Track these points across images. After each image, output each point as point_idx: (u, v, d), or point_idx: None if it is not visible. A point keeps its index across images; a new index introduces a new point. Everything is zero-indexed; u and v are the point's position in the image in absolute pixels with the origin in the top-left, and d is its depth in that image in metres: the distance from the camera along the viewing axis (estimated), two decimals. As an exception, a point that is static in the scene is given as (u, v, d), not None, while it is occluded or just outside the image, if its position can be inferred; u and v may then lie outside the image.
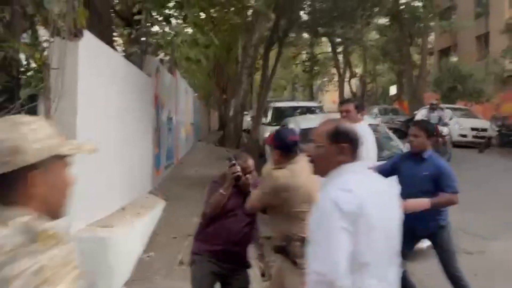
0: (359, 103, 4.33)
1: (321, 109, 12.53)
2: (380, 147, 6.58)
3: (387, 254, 1.79)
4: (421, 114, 17.74)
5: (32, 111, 4.24)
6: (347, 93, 40.98)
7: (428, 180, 3.40)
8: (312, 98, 47.70)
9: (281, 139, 2.96)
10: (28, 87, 4.11)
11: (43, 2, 4.21)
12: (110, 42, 6.82)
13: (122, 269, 4.47)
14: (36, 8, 4.38)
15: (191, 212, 6.76)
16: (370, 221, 1.68)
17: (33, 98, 4.15)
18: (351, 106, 4.28)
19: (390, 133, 6.78)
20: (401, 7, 22.01)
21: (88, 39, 4.33)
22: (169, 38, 10.72)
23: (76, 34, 4.20)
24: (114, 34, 13.43)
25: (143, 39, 11.20)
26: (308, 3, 7.49)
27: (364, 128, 4.10)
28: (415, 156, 3.54)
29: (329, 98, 57.41)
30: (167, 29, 11.14)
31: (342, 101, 4.57)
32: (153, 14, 13.09)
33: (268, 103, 13.47)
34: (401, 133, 19.98)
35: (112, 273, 4.20)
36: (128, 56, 10.41)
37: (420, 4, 23.25)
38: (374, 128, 6.91)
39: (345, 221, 1.63)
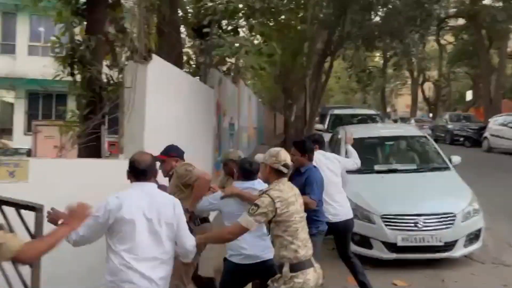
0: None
1: (380, 117, 12.65)
2: (427, 160, 6.83)
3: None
4: (495, 122, 17.08)
5: (111, 121, 5.15)
6: (420, 97, 39.77)
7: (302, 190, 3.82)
8: (383, 102, 46.72)
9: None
10: (107, 102, 5.01)
11: (124, 22, 5.12)
12: (178, 57, 7.71)
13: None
14: (115, 35, 5.28)
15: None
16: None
17: (112, 111, 5.05)
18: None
19: (436, 146, 6.95)
20: (477, 8, 21.16)
21: (156, 61, 5.12)
22: (232, 49, 11.40)
23: (146, 58, 5.01)
24: (187, 45, 14.57)
25: (213, 52, 12.11)
26: (355, 17, 7.86)
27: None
28: (297, 170, 4.10)
29: (403, 102, 55.65)
30: (230, 39, 11.82)
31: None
32: (222, 25, 14.01)
33: (328, 109, 13.82)
34: (473, 141, 19.32)
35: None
36: (198, 66, 11.36)
37: (499, 5, 22.18)
38: (419, 139, 7.15)
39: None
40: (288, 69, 17.05)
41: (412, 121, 27.91)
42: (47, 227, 2.25)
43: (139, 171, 2.64)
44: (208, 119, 7.68)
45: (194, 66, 10.99)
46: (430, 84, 41.44)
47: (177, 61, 7.65)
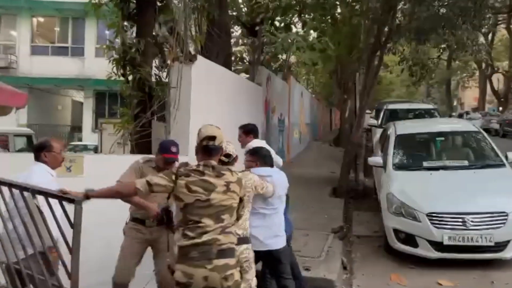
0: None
1: (438, 111, 12.13)
2: (480, 156, 6.54)
3: None
4: None
5: (159, 119, 5.44)
6: (489, 90, 37.35)
7: None
8: (449, 95, 44.47)
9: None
10: (156, 101, 5.31)
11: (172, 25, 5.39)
12: (227, 57, 7.93)
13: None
14: (164, 37, 5.56)
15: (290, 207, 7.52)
16: None
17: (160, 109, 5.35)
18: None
19: (491, 142, 6.62)
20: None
21: (201, 62, 5.35)
22: (284, 46, 11.42)
23: (191, 59, 5.25)
24: (240, 44, 14.85)
25: (265, 49, 12.25)
26: (406, 8, 7.55)
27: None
28: None
29: (471, 95, 52.61)
30: (282, 36, 11.82)
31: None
32: (274, 23, 14.10)
33: (383, 104, 13.47)
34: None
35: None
36: (250, 64, 11.56)
37: None
38: (473, 135, 6.84)
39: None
40: (343, 63, 16.83)
41: (476, 115, 26.36)
42: (85, 218, 2.50)
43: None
44: (256, 116, 7.83)
45: (247, 63, 11.19)
46: (500, 76, 38.88)
47: (226, 61, 7.86)
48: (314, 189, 8.91)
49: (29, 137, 10.40)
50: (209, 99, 5.62)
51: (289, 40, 12.11)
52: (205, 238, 2.57)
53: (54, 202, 2.58)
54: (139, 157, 3.90)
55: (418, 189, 5.66)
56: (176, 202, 2.69)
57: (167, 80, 5.27)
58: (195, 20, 7.74)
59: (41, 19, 21.64)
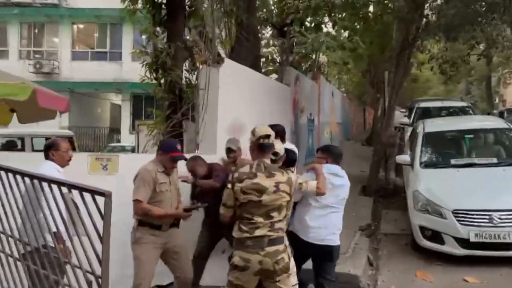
0: None
1: (472, 109, 11.87)
2: (510, 154, 6.44)
3: None
4: None
5: (189, 120, 5.70)
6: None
7: None
8: (489, 92, 42.92)
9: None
10: (186, 103, 5.57)
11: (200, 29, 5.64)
12: (256, 59, 8.11)
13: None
14: (193, 41, 5.83)
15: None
16: None
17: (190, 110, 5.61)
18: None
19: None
20: None
21: (228, 64, 5.56)
22: (314, 46, 11.45)
23: (218, 62, 5.47)
24: (271, 44, 15.01)
25: (294, 50, 12.33)
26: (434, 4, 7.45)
27: None
28: None
29: (514, 91, 50.49)
30: (311, 36, 11.85)
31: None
32: (305, 23, 14.16)
33: (416, 102, 13.28)
34: None
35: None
36: (280, 65, 11.67)
37: None
38: (505, 132, 6.74)
39: None
40: (375, 62, 16.70)
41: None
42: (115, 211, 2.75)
43: None
44: (283, 115, 7.97)
45: (277, 64, 11.31)
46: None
47: (255, 63, 8.05)
48: (343, 188, 8.96)
49: (70, 139, 10.97)
50: (237, 99, 5.83)
51: (319, 40, 12.18)
52: (257, 233, 2.97)
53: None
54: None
55: (444, 186, 5.67)
56: (235, 201, 3.07)
57: (196, 82, 5.51)
58: (224, 24, 8.00)
59: (81, 26, 22.59)
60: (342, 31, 13.01)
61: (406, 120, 11.87)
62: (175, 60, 5.66)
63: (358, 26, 12.62)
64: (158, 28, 5.92)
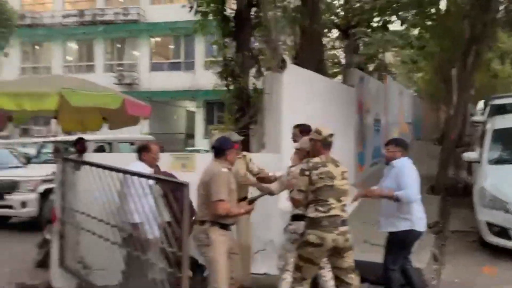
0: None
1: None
2: None
3: None
4: None
5: (256, 122, 6.19)
6: None
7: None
8: None
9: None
10: (253, 107, 6.06)
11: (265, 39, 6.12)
12: (319, 62, 8.43)
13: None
14: (259, 50, 6.32)
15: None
16: None
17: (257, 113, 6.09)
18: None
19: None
20: None
21: (291, 69, 5.97)
22: (380, 45, 11.44)
23: (282, 67, 5.90)
24: (336, 46, 15.18)
25: (359, 51, 12.43)
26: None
27: None
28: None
29: None
30: (377, 36, 11.84)
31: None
32: (371, 24, 14.16)
33: (492, 99, 12.70)
34: None
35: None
36: (346, 67, 11.82)
37: None
38: None
39: None
40: (445, 59, 16.20)
41: None
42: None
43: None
44: (346, 116, 8.22)
45: (343, 66, 11.46)
46: None
47: (319, 66, 8.36)
48: (410, 186, 8.97)
49: (151, 144, 12.02)
50: (300, 102, 6.21)
51: (385, 40, 12.16)
52: (332, 212, 3.48)
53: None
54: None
55: (510, 182, 5.62)
56: (310, 186, 3.53)
57: (262, 87, 5.99)
58: (289, 31, 8.44)
59: (158, 39, 24.25)
60: (412, 28, 12.86)
61: (479, 117, 11.45)
62: (243, 68, 6.17)
63: (429, 23, 12.40)
64: (227, 39, 6.47)
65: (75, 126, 6.47)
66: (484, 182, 5.85)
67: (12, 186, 7.92)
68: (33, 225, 7.52)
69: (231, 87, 6.31)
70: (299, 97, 6.20)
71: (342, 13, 13.81)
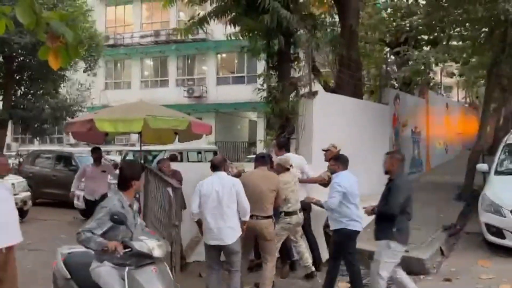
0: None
1: None
2: None
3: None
4: None
5: (293, 138, 7.63)
6: None
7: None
8: None
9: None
10: (290, 126, 7.52)
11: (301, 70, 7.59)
12: (355, 86, 9.62)
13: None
14: (297, 79, 7.78)
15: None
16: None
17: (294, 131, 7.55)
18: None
19: None
20: None
21: (321, 95, 7.39)
22: (426, 61, 12.14)
23: (313, 94, 7.32)
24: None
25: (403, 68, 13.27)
26: None
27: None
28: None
29: None
30: (421, 53, 12.54)
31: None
32: (419, 40, 14.96)
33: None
34: None
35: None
36: (382, 86, 12.57)
37: None
38: None
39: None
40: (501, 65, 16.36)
41: None
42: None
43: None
44: (380, 131, 9.40)
45: (380, 86, 12.23)
46: None
47: (356, 89, 9.58)
48: (440, 193, 9.93)
49: (215, 152, 13.82)
50: (329, 122, 7.57)
51: (430, 57, 12.97)
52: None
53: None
54: None
55: (507, 189, 6.59)
56: None
57: (298, 110, 7.44)
58: (327, 58, 9.79)
59: (224, 55, 26.36)
60: (461, 42, 13.46)
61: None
62: (283, 94, 7.62)
63: (482, 35, 12.94)
64: (271, 71, 7.98)
65: (154, 140, 8.36)
66: (487, 189, 6.85)
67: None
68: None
69: (274, 109, 7.77)
70: (328, 118, 7.57)
71: (391, 30, 14.77)
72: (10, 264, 4.32)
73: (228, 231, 4.63)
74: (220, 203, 4.63)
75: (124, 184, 3.64)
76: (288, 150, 6.36)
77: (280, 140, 6.47)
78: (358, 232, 4.98)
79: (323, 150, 5.99)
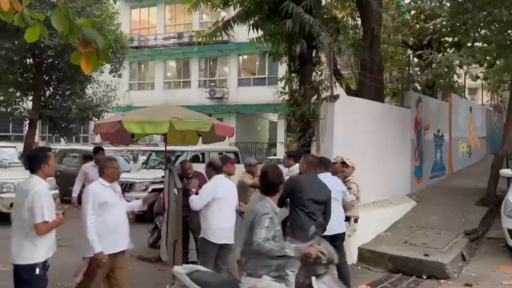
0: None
1: None
2: None
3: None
4: None
5: (314, 141, 7.71)
6: None
7: None
8: None
9: None
10: (311, 129, 7.60)
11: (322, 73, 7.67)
12: (377, 90, 9.61)
13: (361, 236, 7.21)
14: (318, 83, 7.86)
15: (432, 212, 8.83)
16: None
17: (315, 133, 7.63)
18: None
19: None
20: None
21: (342, 99, 7.44)
22: (449, 63, 12.03)
23: (334, 97, 7.40)
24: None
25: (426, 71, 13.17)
26: None
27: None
28: None
29: None
30: (447, 56, 12.42)
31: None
32: (442, 43, 14.81)
33: None
34: None
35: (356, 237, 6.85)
36: (404, 90, 12.47)
37: None
38: None
39: None
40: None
41: None
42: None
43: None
44: (401, 134, 9.39)
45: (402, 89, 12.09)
46: None
47: (378, 92, 9.57)
48: (462, 198, 9.85)
49: (235, 153, 13.99)
50: (350, 126, 7.64)
51: (453, 59, 12.85)
52: None
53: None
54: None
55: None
56: None
57: (319, 113, 7.52)
58: (349, 62, 9.83)
59: (245, 57, 26.56)
60: (486, 45, 13.31)
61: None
62: (304, 97, 7.71)
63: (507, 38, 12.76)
64: (293, 75, 8.08)
65: (179, 141, 8.56)
66: (509, 195, 6.80)
67: (130, 186, 10.33)
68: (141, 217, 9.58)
69: (295, 112, 7.86)
70: (349, 121, 7.63)
71: (415, 32, 14.68)
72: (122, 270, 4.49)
73: (233, 231, 5.11)
74: (231, 205, 5.16)
75: (269, 189, 3.53)
76: (297, 161, 6.45)
77: (292, 151, 7.06)
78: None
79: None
